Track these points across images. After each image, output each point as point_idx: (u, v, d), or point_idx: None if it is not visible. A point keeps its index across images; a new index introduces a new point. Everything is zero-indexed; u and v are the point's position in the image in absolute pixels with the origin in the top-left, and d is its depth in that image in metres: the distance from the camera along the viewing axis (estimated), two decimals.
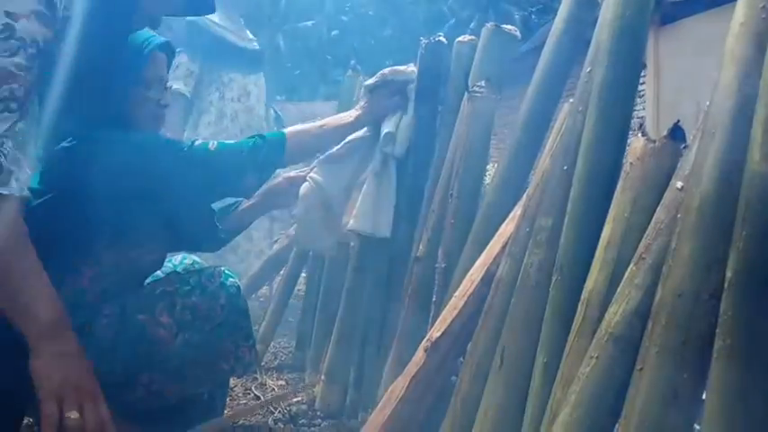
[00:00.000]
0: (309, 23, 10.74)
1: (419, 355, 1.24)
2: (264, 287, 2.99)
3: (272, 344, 2.36)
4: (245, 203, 1.63)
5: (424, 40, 1.67)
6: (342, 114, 1.66)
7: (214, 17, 2.72)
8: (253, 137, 1.47)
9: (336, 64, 11.53)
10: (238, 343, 1.43)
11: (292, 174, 1.71)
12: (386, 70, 1.65)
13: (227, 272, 1.44)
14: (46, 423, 0.83)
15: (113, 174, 1.23)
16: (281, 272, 2.53)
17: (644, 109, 5.71)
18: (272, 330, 2.33)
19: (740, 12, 0.81)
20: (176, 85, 2.83)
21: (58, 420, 0.83)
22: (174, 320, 1.34)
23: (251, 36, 2.99)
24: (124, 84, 1.32)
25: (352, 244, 1.95)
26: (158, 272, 1.49)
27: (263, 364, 2.25)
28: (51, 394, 0.84)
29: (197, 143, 1.41)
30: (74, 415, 0.83)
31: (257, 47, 2.99)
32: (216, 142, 1.42)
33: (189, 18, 2.59)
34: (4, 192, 0.84)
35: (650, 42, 6.14)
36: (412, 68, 1.68)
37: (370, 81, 1.65)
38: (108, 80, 1.21)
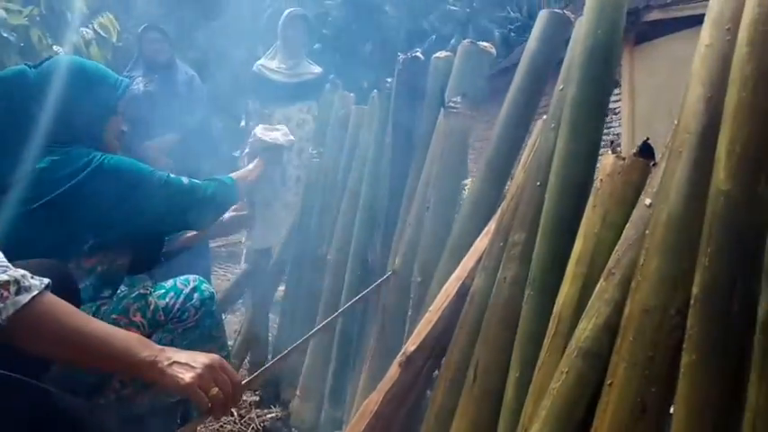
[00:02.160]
0: None
1: (393, 370, 1.24)
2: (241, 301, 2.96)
3: (247, 359, 2.33)
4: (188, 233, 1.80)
5: (401, 56, 1.68)
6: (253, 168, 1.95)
7: (271, 63, 3.35)
8: (213, 179, 1.65)
9: None
10: (212, 352, 1.42)
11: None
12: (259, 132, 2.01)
13: (201, 279, 1.45)
14: (203, 409, 0.94)
15: (99, 188, 1.35)
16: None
17: (619, 126, 5.82)
18: (247, 344, 2.30)
19: (706, 33, 0.83)
20: (243, 123, 3.42)
21: (207, 401, 0.93)
22: (146, 320, 1.36)
23: (305, 70, 3.40)
24: (104, 113, 1.47)
25: (329, 257, 1.95)
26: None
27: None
28: (191, 388, 0.93)
29: (171, 176, 1.53)
30: (213, 391, 0.93)
31: (303, 79, 3.35)
32: (188, 178, 1.57)
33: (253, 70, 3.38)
34: (35, 293, 0.88)
35: (625, 61, 6.27)
36: (283, 133, 2.03)
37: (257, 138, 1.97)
38: (91, 110, 1.43)
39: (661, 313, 0.79)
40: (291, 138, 2.09)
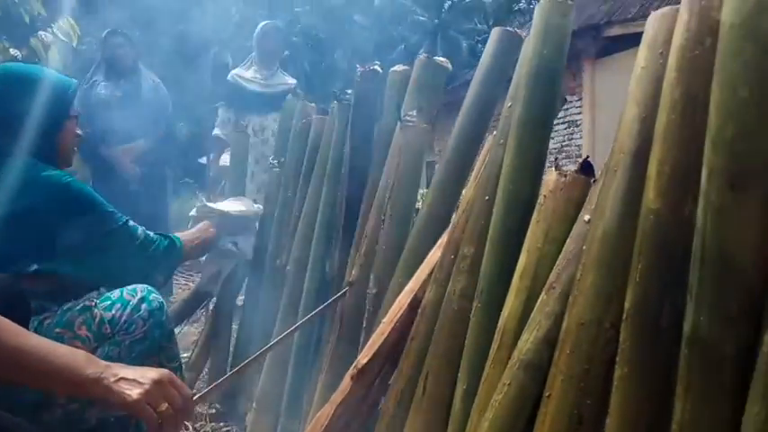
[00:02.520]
0: None
1: (345, 382, 1.24)
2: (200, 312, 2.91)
3: (205, 370, 2.30)
4: None
5: (359, 68, 1.69)
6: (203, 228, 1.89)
7: (246, 73, 3.47)
8: (166, 237, 1.61)
9: None
10: (162, 363, 1.40)
11: None
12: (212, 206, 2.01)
13: (150, 288, 1.42)
14: (151, 426, 0.91)
15: (51, 208, 1.35)
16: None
17: (581, 138, 5.97)
18: (204, 356, 2.27)
19: (642, 55, 0.87)
20: (217, 131, 3.50)
21: (157, 418, 0.90)
22: (92, 333, 1.32)
23: (280, 80, 3.49)
24: (60, 118, 1.44)
25: (288, 268, 1.94)
26: None
27: (193, 390, 2.19)
28: (139, 405, 0.90)
29: (130, 222, 1.50)
30: (163, 407, 0.91)
31: (278, 89, 3.42)
32: (143, 229, 1.52)
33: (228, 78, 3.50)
34: None
35: (587, 74, 6.44)
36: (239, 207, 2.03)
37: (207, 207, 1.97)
38: (47, 115, 1.40)
39: (596, 327, 0.81)
40: (256, 208, 2.08)
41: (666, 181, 0.73)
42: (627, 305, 0.77)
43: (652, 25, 0.86)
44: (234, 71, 3.60)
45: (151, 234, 1.55)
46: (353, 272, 1.57)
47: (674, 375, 0.72)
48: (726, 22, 0.66)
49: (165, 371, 0.98)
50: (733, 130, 0.64)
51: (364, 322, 1.46)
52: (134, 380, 0.92)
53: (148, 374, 0.94)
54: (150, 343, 1.39)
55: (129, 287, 1.42)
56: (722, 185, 0.65)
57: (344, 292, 1.55)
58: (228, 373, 1.55)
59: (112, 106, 3.26)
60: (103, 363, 0.95)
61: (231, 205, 2.04)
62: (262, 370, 1.85)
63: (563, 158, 6.78)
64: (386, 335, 1.26)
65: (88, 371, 0.92)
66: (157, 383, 0.93)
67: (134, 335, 1.36)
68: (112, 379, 0.92)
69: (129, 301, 1.38)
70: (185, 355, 2.42)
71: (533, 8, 1.20)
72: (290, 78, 3.60)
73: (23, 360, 0.90)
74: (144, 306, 1.38)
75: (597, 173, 0.96)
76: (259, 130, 3.41)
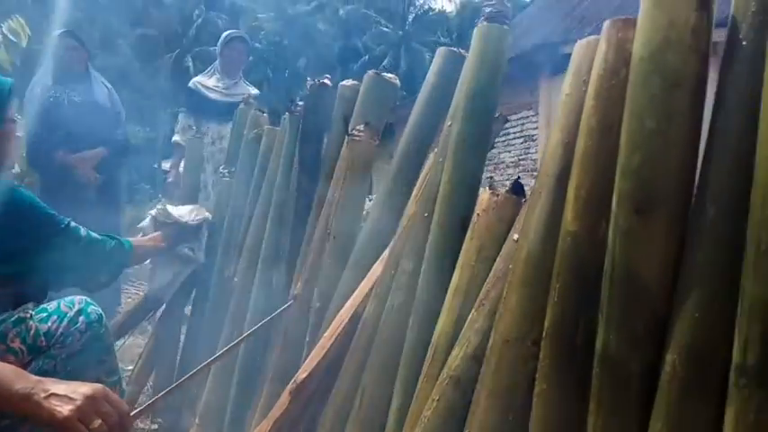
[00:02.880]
0: None
1: (284, 398, 1.23)
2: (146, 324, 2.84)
3: (149, 384, 2.24)
4: None
5: (309, 82, 1.70)
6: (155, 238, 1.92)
7: (208, 81, 3.47)
8: (114, 238, 1.60)
9: None
10: (100, 378, 1.37)
11: None
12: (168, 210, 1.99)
13: (88, 300, 1.39)
14: None
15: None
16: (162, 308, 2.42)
17: (536, 152, 6.11)
18: (148, 370, 2.21)
19: (567, 82, 0.90)
20: (176, 137, 3.50)
21: None
22: (26, 346, 1.28)
23: (242, 90, 3.45)
24: None
25: (236, 279, 1.92)
26: None
27: (135, 405, 2.13)
28: (69, 422, 0.88)
29: (72, 224, 1.48)
30: (95, 424, 0.89)
31: (239, 99, 3.40)
32: (86, 230, 1.51)
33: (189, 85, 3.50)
34: None
35: (544, 90, 6.61)
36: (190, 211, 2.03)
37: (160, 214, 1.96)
38: None
39: (520, 344, 0.84)
40: (204, 215, 2.08)
41: (582, 205, 0.77)
42: (546, 324, 0.80)
43: (578, 53, 0.89)
44: (196, 78, 3.63)
45: (95, 235, 1.54)
46: (299, 285, 1.56)
47: (588, 392, 0.74)
48: (636, 55, 0.70)
49: (98, 386, 0.95)
50: (640, 158, 0.67)
51: (307, 336, 1.46)
52: (65, 395, 0.90)
53: (81, 390, 0.92)
54: (88, 357, 1.35)
55: (67, 299, 1.38)
56: (629, 210, 0.68)
57: (289, 305, 1.55)
58: (168, 388, 1.52)
59: (66, 111, 3.17)
60: (34, 378, 0.93)
61: (187, 213, 2.04)
62: (206, 384, 1.82)
63: (520, 172, 6.93)
64: (326, 350, 1.26)
65: (17, 386, 0.90)
66: (90, 399, 0.91)
67: (70, 348, 1.32)
68: (42, 395, 0.90)
69: (66, 313, 1.34)
70: (130, 367, 2.36)
71: None
72: (252, 89, 3.62)
73: None
74: (81, 318, 1.34)
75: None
76: (218, 139, 3.42)
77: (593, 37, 0.88)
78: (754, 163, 0.59)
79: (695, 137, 0.66)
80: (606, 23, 0.78)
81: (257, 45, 11.40)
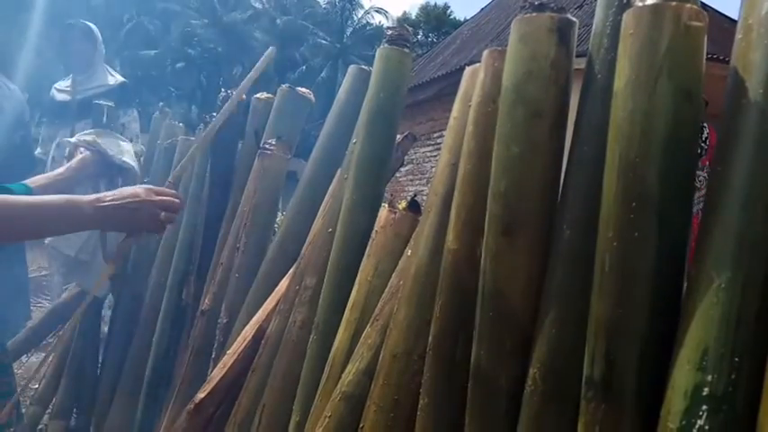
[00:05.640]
0: (152, 53, 10.29)
1: (182, 418, 1.20)
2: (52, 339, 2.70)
3: (53, 402, 2.12)
4: None
5: (222, 93, 1.68)
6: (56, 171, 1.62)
7: (63, 84, 3.10)
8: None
9: (181, 97, 11.13)
10: None
11: None
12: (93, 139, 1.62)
13: None
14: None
15: None
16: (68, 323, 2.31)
17: None
18: (53, 388, 2.10)
19: (455, 107, 0.94)
20: (38, 150, 3.01)
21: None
22: None
23: (94, 83, 3.06)
24: None
25: (148, 294, 1.86)
26: None
27: (39, 426, 2.02)
28: (149, 194, 1.00)
29: None
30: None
31: (88, 94, 2.99)
32: None
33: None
34: None
35: None
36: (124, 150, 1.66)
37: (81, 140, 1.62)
38: None
39: (406, 359, 0.86)
40: (131, 165, 1.68)
41: (462, 225, 0.80)
42: (430, 339, 0.82)
43: (466, 79, 0.94)
44: (55, 84, 3.20)
45: None
46: (207, 300, 1.54)
47: (465, 406, 0.77)
48: (504, 84, 0.74)
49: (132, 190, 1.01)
50: (506, 182, 0.71)
51: (213, 353, 1.44)
52: (124, 191, 1.01)
53: (129, 189, 1.02)
54: None
55: None
56: (497, 231, 0.71)
57: (195, 318, 1.51)
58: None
59: None
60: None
61: (115, 147, 1.62)
62: (112, 402, 1.75)
63: None
64: (227, 367, 1.24)
65: (84, 201, 0.97)
66: (143, 187, 1.03)
67: None
68: (110, 197, 0.97)
69: None
70: (35, 386, 2.23)
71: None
72: (115, 77, 3.14)
73: (38, 213, 0.94)
74: None
75: None
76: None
77: (479, 64, 0.92)
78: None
79: (556, 163, 0.71)
80: (485, 53, 0.82)
81: (190, 51, 11.14)
